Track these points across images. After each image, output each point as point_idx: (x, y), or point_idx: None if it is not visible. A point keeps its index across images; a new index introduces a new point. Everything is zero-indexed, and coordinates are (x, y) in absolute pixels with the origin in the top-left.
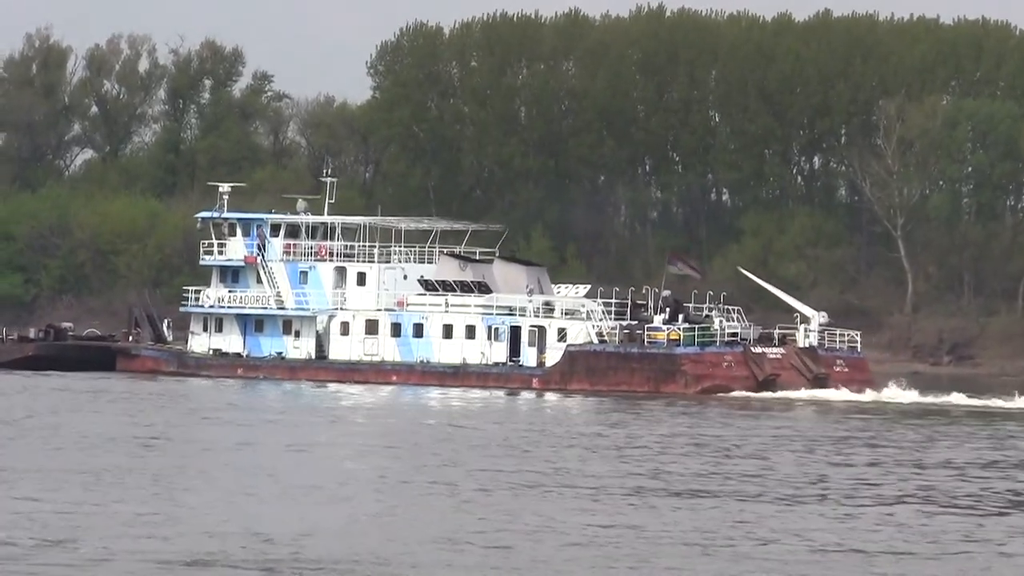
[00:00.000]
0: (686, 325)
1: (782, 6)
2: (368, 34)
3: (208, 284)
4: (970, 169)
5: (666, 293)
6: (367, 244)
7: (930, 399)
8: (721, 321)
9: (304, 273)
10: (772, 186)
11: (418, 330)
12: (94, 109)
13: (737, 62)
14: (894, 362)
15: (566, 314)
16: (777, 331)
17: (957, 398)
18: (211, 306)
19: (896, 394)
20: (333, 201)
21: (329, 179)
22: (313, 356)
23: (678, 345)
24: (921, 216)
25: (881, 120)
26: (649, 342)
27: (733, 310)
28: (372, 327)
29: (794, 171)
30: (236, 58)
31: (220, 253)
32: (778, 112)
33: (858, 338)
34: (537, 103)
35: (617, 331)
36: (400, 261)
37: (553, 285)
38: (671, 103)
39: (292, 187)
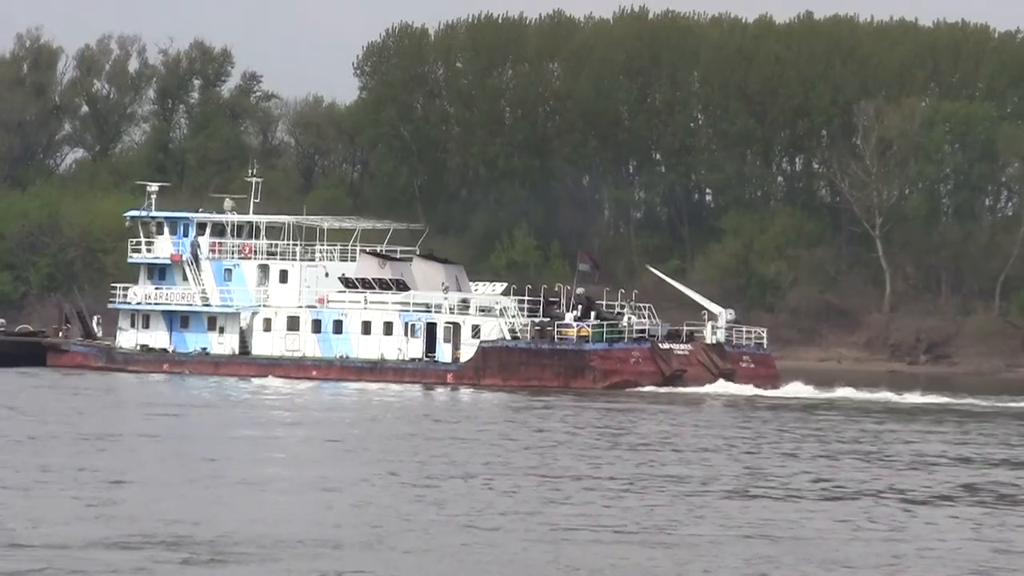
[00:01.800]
0: (596, 322)
1: (763, 9)
2: (357, 34)
3: (136, 282)
4: (948, 170)
5: (580, 291)
6: (290, 242)
7: (827, 394)
8: (630, 318)
9: (229, 271)
10: (754, 186)
11: (338, 326)
12: (84, 109)
13: (719, 64)
14: (872, 361)
15: (481, 311)
16: (685, 328)
17: (849, 392)
18: (138, 303)
19: (797, 389)
20: (259, 200)
21: (254, 179)
22: (237, 352)
23: (587, 341)
24: (899, 216)
25: (860, 121)
26: (560, 338)
27: (645, 307)
28: (294, 323)
29: (775, 172)
30: (225, 58)
31: (148, 251)
32: (759, 114)
33: (764, 335)
34: (522, 104)
35: (529, 328)
36: (322, 259)
37: (471, 283)
38: (654, 104)
39: (281, 187)
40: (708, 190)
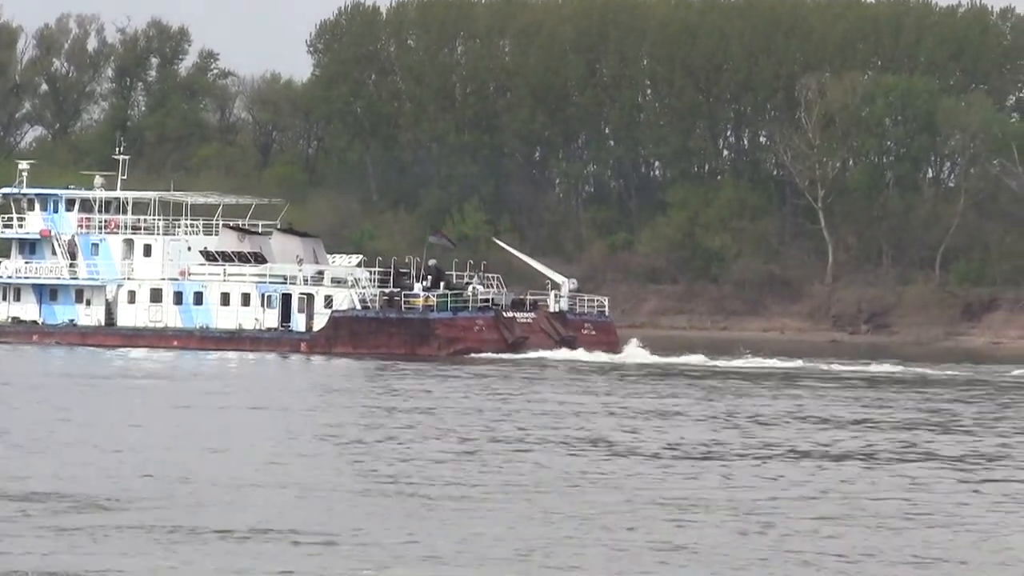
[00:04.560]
0: (440, 292)
1: None
2: (314, 12)
3: (8, 256)
4: (890, 143)
5: (431, 262)
6: (155, 217)
7: (668, 359)
8: (474, 288)
9: (95, 245)
10: (700, 159)
11: (198, 298)
12: (44, 87)
13: (665, 40)
14: (814, 331)
15: (334, 282)
16: (529, 297)
17: (694, 358)
18: (9, 277)
19: (635, 354)
20: (125, 177)
21: (122, 156)
22: (103, 323)
23: (432, 310)
24: (842, 188)
25: (803, 95)
26: (407, 307)
27: (493, 278)
28: (156, 295)
29: (721, 145)
30: (182, 37)
31: (20, 226)
32: (705, 88)
33: (606, 303)
34: (472, 80)
35: (378, 298)
36: (185, 233)
37: (329, 255)
38: (602, 80)
39: (237, 163)
40: (657, 163)
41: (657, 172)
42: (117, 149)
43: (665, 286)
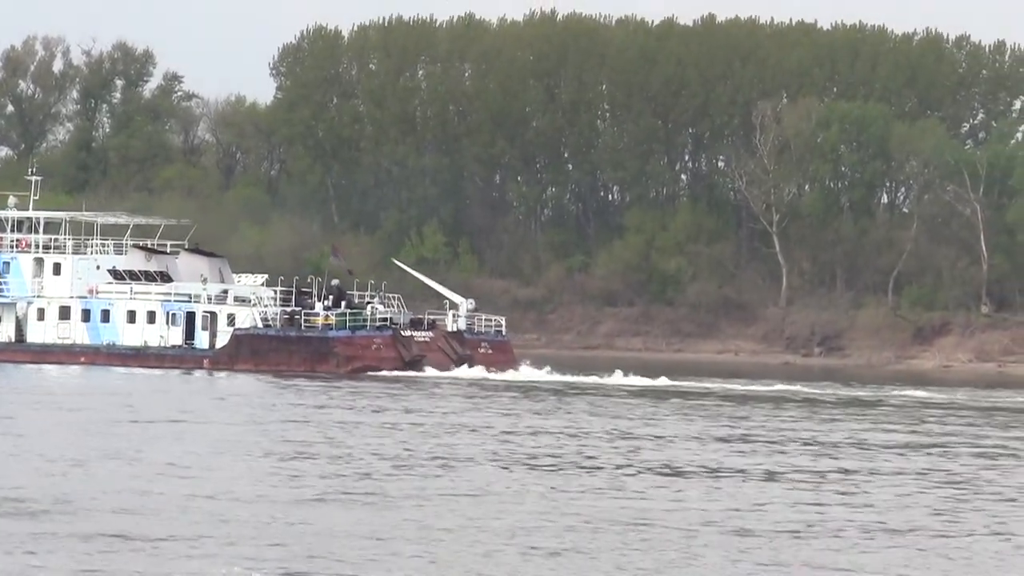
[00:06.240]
0: (340, 311)
1: (668, 11)
2: (279, 35)
3: None
4: (844, 168)
5: (335, 282)
6: (65, 237)
7: (557, 376)
8: (375, 307)
9: (7, 263)
10: (657, 183)
11: (105, 315)
12: (10, 108)
13: (623, 65)
14: (768, 353)
15: (237, 301)
16: (427, 316)
17: (584, 378)
18: None
19: (530, 373)
20: (38, 198)
21: (34, 177)
22: (13, 339)
23: (331, 329)
24: (796, 213)
25: (759, 121)
26: (307, 326)
27: (394, 298)
28: (65, 312)
29: (678, 169)
30: (147, 59)
31: None
32: (662, 113)
33: (503, 323)
34: (433, 104)
35: (279, 316)
36: (94, 253)
37: (235, 275)
38: (561, 104)
39: (200, 184)
40: (615, 187)
41: (615, 196)
42: (30, 170)
43: (621, 308)
